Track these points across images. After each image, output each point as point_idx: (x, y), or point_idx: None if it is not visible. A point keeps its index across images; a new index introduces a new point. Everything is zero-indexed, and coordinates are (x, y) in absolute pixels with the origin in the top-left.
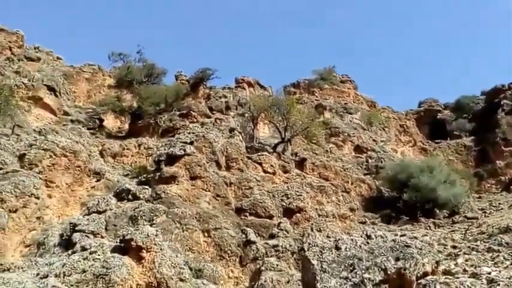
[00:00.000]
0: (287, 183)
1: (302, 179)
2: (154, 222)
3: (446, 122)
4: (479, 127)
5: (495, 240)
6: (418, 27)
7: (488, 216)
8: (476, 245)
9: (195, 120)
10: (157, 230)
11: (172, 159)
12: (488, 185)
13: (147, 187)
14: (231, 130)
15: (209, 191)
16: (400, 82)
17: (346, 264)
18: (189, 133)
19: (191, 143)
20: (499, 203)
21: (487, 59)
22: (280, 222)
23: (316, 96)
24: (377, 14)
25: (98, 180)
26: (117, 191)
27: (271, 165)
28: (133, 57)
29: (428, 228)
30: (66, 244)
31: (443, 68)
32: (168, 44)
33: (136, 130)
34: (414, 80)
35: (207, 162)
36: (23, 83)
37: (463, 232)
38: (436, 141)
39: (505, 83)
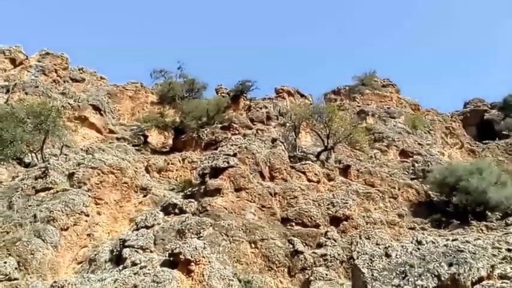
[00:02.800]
0: (332, 191)
1: (347, 187)
2: (201, 235)
3: (494, 122)
4: None
5: None
6: (462, 24)
7: None
8: None
9: (236, 132)
10: (204, 243)
11: (216, 171)
12: None
13: (192, 200)
14: (273, 140)
15: (254, 202)
16: (445, 83)
17: (398, 272)
18: (231, 145)
19: (234, 155)
20: None
21: None
22: (327, 231)
23: (358, 102)
24: (417, 17)
25: (144, 196)
26: (164, 205)
27: (315, 174)
28: (174, 73)
29: (480, 231)
30: (117, 260)
31: (489, 66)
32: (208, 57)
33: (180, 144)
34: (459, 81)
35: (251, 173)
36: (69, 103)
37: None
38: (484, 142)
39: None
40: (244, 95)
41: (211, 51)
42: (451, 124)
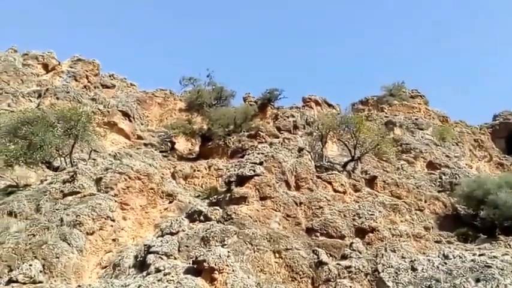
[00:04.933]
0: (358, 202)
1: (374, 198)
2: (225, 243)
3: None
4: None
5: None
6: (490, 35)
7: None
8: None
9: (263, 140)
10: (228, 251)
11: (242, 179)
12: None
13: (217, 208)
14: (300, 149)
15: (279, 211)
16: (474, 95)
17: (423, 286)
18: (258, 153)
19: (260, 163)
20: None
21: None
22: (352, 243)
23: (386, 113)
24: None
25: (170, 202)
26: (189, 212)
27: (342, 184)
28: (203, 81)
29: (508, 246)
30: (141, 265)
31: None
32: (237, 66)
33: (207, 152)
34: (488, 93)
35: (277, 182)
36: (99, 109)
37: None
38: None
39: None
40: (272, 103)
41: (241, 60)
42: (480, 137)
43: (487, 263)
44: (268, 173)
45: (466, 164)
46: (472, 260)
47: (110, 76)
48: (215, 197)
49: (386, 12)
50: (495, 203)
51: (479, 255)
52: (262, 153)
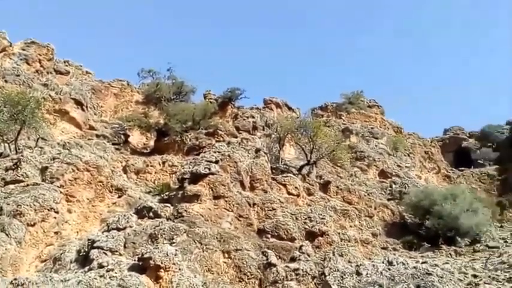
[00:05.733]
0: (311, 205)
1: (326, 202)
2: (174, 241)
3: (471, 151)
4: (503, 157)
5: None
6: (445, 56)
7: (509, 246)
8: (497, 275)
9: (221, 139)
10: (176, 250)
11: (196, 177)
12: (510, 215)
13: (168, 205)
14: (257, 150)
15: (232, 211)
16: (427, 109)
17: None
18: (214, 152)
19: (216, 162)
20: None
21: None
22: (302, 245)
23: (343, 120)
24: (403, 42)
25: (119, 196)
26: (138, 208)
27: (296, 187)
28: (163, 74)
29: (449, 256)
30: (83, 260)
31: (470, 97)
32: (198, 63)
33: (162, 147)
34: (440, 108)
35: (231, 182)
36: (50, 95)
37: (484, 261)
38: (460, 169)
39: None
40: (233, 102)
41: (205, 57)
42: (430, 149)
43: (428, 270)
44: (223, 172)
45: (416, 175)
46: (414, 267)
47: (64, 62)
48: (167, 193)
49: (353, 19)
50: (440, 214)
51: (422, 262)
52: (218, 152)
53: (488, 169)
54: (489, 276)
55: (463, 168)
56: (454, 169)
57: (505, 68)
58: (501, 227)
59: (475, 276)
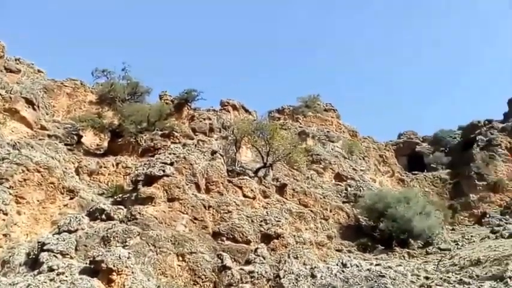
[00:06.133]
0: (266, 208)
1: (282, 205)
2: (127, 244)
3: (424, 155)
4: (455, 161)
5: (466, 272)
6: (404, 63)
7: (460, 249)
8: (448, 277)
9: (177, 141)
10: (129, 253)
11: (150, 179)
12: (462, 218)
13: (122, 207)
14: (213, 153)
15: (187, 213)
16: (382, 114)
17: None
18: (169, 154)
19: (171, 163)
20: (471, 236)
21: (466, 94)
22: (257, 248)
23: (300, 123)
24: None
25: (71, 198)
26: (91, 210)
27: (252, 190)
28: (118, 74)
29: (402, 258)
30: (33, 264)
31: (424, 101)
32: (155, 66)
33: (116, 148)
34: (395, 112)
35: (187, 184)
36: (0, 94)
37: (436, 263)
38: (413, 172)
39: (481, 119)
40: (189, 104)
41: (163, 59)
42: (385, 153)
43: (381, 272)
44: (178, 174)
45: (371, 178)
46: (368, 270)
47: (15, 60)
48: (120, 195)
49: (307, 28)
50: (394, 217)
51: (376, 265)
52: (173, 154)
53: (440, 173)
54: (441, 278)
55: (416, 172)
56: (407, 173)
57: (458, 74)
58: (453, 229)
59: (427, 278)
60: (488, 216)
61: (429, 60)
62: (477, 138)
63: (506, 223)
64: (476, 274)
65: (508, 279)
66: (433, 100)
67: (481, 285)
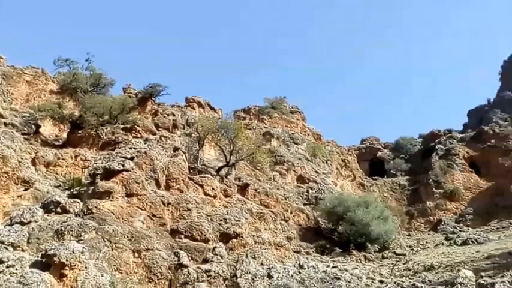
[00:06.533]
0: (227, 207)
1: (242, 205)
2: (81, 238)
3: (385, 161)
4: (414, 168)
5: (419, 277)
6: (370, 70)
7: (415, 254)
8: (402, 281)
9: (139, 135)
10: (84, 247)
11: (109, 173)
12: (418, 224)
13: (78, 201)
14: (176, 149)
15: (145, 209)
16: (346, 119)
17: None
18: (130, 148)
19: (131, 158)
20: (426, 242)
21: (429, 104)
22: (216, 247)
23: (265, 124)
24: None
25: (26, 189)
26: (45, 202)
27: (213, 188)
28: (81, 64)
29: (359, 261)
30: None
31: (387, 108)
32: (119, 58)
33: (75, 140)
34: (360, 118)
35: (146, 180)
36: None
37: (391, 267)
38: (374, 177)
39: (441, 128)
40: (153, 98)
41: (129, 51)
42: (347, 157)
43: (336, 274)
44: (138, 169)
45: (332, 181)
46: (324, 272)
47: None
48: (77, 189)
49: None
50: (352, 220)
51: (332, 267)
52: (134, 149)
53: (400, 179)
54: (395, 282)
55: (376, 177)
56: (368, 178)
57: (426, 83)
58: (409, 235)
59: (381, 281)
60: (443, 223)
61: (398, 70)
62: (436, 147)
63: (460, 231)
64: (428, 279)
65: (459, 285)
66: (396, 108)
67: None
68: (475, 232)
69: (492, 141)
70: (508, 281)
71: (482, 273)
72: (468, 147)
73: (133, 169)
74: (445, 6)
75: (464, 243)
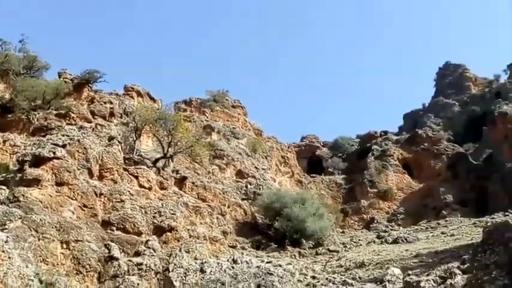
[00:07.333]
0: (162, 200)
1: (178, 198)
2: (6, 227)
3: (323, 159)
4: (351, 167)
5: (350, 274)
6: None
7: (348, 251)
8: (334, 277)
9: (73, 122)
10: (8, 236)
11: (38, 160)
12: (352, 222)
13: (4, 188)
14: (111, 138)
15: (76, 199)
16: (288, 116)
17: None
18: (63, 135)
19: (63, 146)
20: (359, 239)
21: (368, 106)
22: (149, 240)
23: (207, 117)
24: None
25: None
26: None
27: (148, 180)
28: (15, 45)
29: (293, 257)
30: None
31: (329, 108)
32: (60, 40)
33: (4, 124)
34: (301, 116)
35: (78, 169)
36: None
37: (324, 264)
38: (312, 175)
39: (378, 130)
40: (90, 85)
41: (67, 35)
42: (287, 154)
43: (270, 270)
44: (70, 157)
45: (271, 177)
46: (258, 267)
47: None
48: (4, 175)
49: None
50: (289, 216)
51: (267, 262)
52: (67, 136)
53: (336, 177)
54: (326, 279)
55: (314, 175)
56: (306, 175)
57: (365, 86)
58: (343, 232)
59: (314, 277)
60: (376, 222)
61: (339, 71)
62: (372, 148)
63: (391, 229)
64: (359, 276)
65: (387, 283)
66: (337, 109)
67: (362, 287)
68: (405, 231)
69: (425, 144)
70: (433, 279)
71: (410, 272)
72: (402, 149)
73: (64, 157)
74: (388, 11)
75: (395, 241)
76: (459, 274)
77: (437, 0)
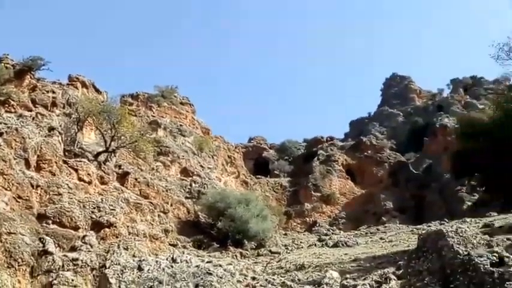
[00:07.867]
0: (102, 195)
1: (119, 193)
2: None
3: (270, 161)
4: (296, 170)
5: (290, 275)
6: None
7: (289, 253)
8: (273, 279)
9: (12, 110)
10: None
11: None
12: (295, 224)
13: None
14: (51, 129)
15: (10, 190)
16: (236, 117)
17: (146, 286)
18: (0, 123)
19: (0, 134)
20: (301, 242)
21: (316, 111)
22: (86, 235)
23: (153, 112)
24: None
25: None
26: None
27: (89, 174)
28: None
29: (235, 257)
30: None
31: (279, 110)
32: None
33: None
34: (251, 117)
35: (15, 159)
36: None
37: (265, 265)
38: (258, 176)
39: (325, 135)
40: (32, 72)
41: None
42: (233, 154)
43: (209, 270)
44: (6, 146)
45: (217, 177)
46: (197, 266)
47: None
48: None
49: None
50: (232, 217)
51: (207, 262)
52: (5, 124)
53: (282, 180)
54: (266, 280)
55: (260, 176)
56: (252, 176)
57: (315, 91)
58: (285, 234)
59: (253, 278)
60: (318, 225)
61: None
62: (318, 152)
63: (332, 233)
64: (298, 278)
65: (325, 285)
66: (284, 111)
67: None
68: (345, 235)
69: (368, 151)
70: (369, 284)
71: (348, 275)
72: (347, 155)
73: (0, 145)
74: (339, 23)
75: (335, 245)
76: (394, 279)
77: (395, 13)
